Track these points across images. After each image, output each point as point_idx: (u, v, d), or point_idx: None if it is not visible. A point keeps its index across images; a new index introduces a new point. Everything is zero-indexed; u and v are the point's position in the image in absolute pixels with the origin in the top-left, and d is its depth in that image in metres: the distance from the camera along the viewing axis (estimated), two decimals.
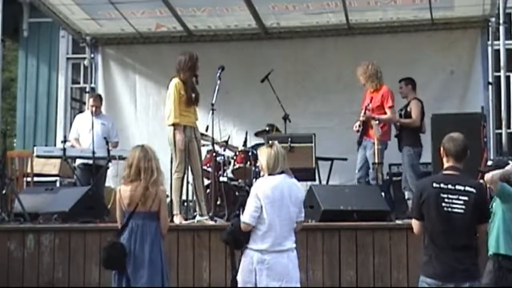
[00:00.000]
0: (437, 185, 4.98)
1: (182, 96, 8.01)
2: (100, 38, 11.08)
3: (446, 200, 4.94)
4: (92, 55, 11.15)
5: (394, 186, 9.26)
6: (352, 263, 6.99)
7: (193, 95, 8.07)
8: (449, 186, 4.96)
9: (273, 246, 5.42)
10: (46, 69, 12.85)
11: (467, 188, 4.95)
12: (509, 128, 10.19)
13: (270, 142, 5.85)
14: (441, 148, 5.15)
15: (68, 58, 12.85)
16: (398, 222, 7.13)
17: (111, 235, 5.78)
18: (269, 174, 5.59)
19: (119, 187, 5.77)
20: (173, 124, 8.00)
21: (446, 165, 5.11)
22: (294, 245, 5.56)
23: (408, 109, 8.80)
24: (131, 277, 5.53)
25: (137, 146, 5.85)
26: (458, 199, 4.93)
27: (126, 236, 5.59)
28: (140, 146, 5.79)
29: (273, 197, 5.48)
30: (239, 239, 5.53)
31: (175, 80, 8.08)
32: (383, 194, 7.95)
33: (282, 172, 5.60)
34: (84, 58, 11.51)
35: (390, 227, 7.04)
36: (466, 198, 4.93)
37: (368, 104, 8.52)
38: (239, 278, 5.53)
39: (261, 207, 5.46)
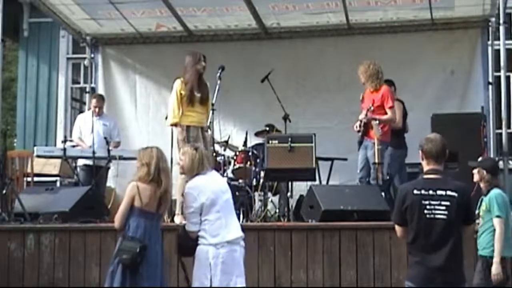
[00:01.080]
0: (418, 192, 4.85)
1: (184, 96, 8.02)
2: (100, 38, 11.09)
3: (428, 207, 4.81)
4: (92, 55, 11.16)
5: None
6: (352, 263, 7.00)
7: (198, 95, 8.05)
8: (430, 192, 4.83)
9: (223, 238, 5.56)
10: (46, 69, 12.85)
11: (449, 193, 4.82)
12: (509, 128, 10.19)
13: (194, 144, 6.05)
14: (420, 151, 4.98)
15: (68, 58, 12.84)
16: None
17: (122, 234, 5.73)
18: (196, 174, 5.72)
19: (135, 183, 5.67)
20: (172, 125, 8.04)
21: (426, 168, 4.95)
22: (241, 233, 5.73)
23: None
24: (144, 275, 5.53)
25: (149, 147, 5.84)
26: (440, 204, 4.81)
27: (141, 235, 5.59)
28: (154, 147, 5.81)
29: (212, 192, 5.64)
30: (191, 247, 5.64)
31: (178, 80, 8.10)
32: (383, 194, 7.94)
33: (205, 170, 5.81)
34: (84, 58, 11.51)
35: (390, 227, 6.96)
36: (448, 203, 4.81)
37: (371, 106, 8.51)
38: (195, 276, 5.60)
39: (201, 207, 5.59)
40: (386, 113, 8.47)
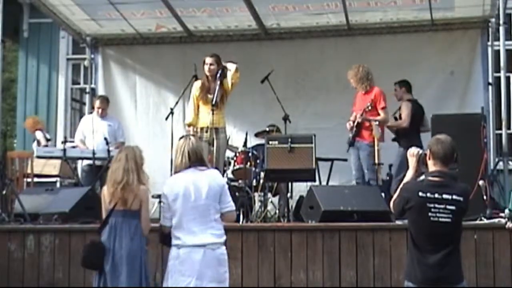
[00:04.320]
0: (423, 195, 4.81)
1: (197, 98, 8.28)
2: (100, 38, 11.09)
3: (432, 210, 4.79)
4: (92, 56, 11.16)
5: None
6: (352, 263, 7.00)
7: (209, 96, 8.13)
8: (436, 196, 4.80)
9: (185, 241, 5.29)
10: (46, 70, 12.86)
11: (455, 197, 4.81)
12: (509, 128, 10.19)
13: (185, 135, 5.77)
14: (428, 151, 4.93)
15: (68, 59, 12.85)
16: (398, 222, 7.12)
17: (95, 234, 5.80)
18: (179, 171, 5.48)
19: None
20: (187, 125, 8.47)
21: (432, 168, 4.90)
22: (217, 240, 5.34)
23: (400, 111, 8.88)
24: (108, 275, 5.53)
25: (123, 148, 5.90)
26: (445, 208, 4.79)
27: (106, 234, 5.61)
28: (127, 148, 5.84)
29: (176, 193, 5.35)
30: (167, 237, 5.48)
31: (196, 82, 8.39)
32: (383, 194, 7.95)
33: (189, 167, 5.42)
34: (84, 59, 11.53)
35: (390, 228, 7.04)
36: (453, 207, 4.80)
37: (368, 105, 8.54)
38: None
39: (168, 204, 5.40)
40: (379, 114, 8.52)
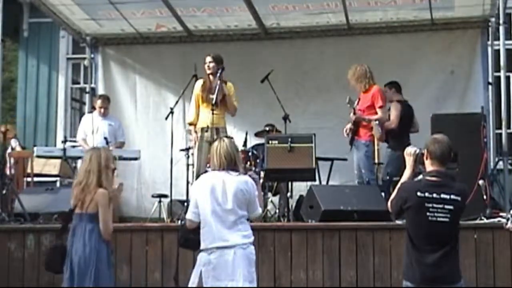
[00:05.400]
0: (422, 194, 4.82)
1: (199, 97, 8.31)
2: (100, 38, 11.08)
3: (431, 209, 4.81)
4: (92, 55, 11.15)
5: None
6: (352, 263, 7.00)
7: (212, 96, 8.13)
8: (434, 195, 4.81)
9: (212, 243, 5.25)
10: (46, 69, 12.86)
11: (453, 197, 4.82)
12: (509, 128, 10.18)
13: (221, 137, 5.70)
14: (425, 151, 4.94)
15: (68, 58, 12.85)
16: (398, 222, 7.12)
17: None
18: (213, 170, 5.44)
19: None
20: (189, 124, 8.49)
21: (429, 168, 4.92)
22: (246, 241, 5.31)
23: (390, 112, 8.89)
24: (66, 280, 5.51)
25: (89, 150, 5.93)
26: (443, 208, 4.81)
27: (69, 237, 5.60)
28: (92, 150, 5.80)
29: (204, 192, 5.32)
30: (189, 239, 5.44)
31: (199, 80, 8.39)
32: (383, 194, 7.95)
33: (221, 169, 5.37)
34: (84, 58, 11.53)
35: (390, 227, 7.05)
36: (451, 207, 4.81)
37: (355, 104, 8.57)
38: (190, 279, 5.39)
39: (195, 202, 5.36)
40: (376, 113, 8.52)
